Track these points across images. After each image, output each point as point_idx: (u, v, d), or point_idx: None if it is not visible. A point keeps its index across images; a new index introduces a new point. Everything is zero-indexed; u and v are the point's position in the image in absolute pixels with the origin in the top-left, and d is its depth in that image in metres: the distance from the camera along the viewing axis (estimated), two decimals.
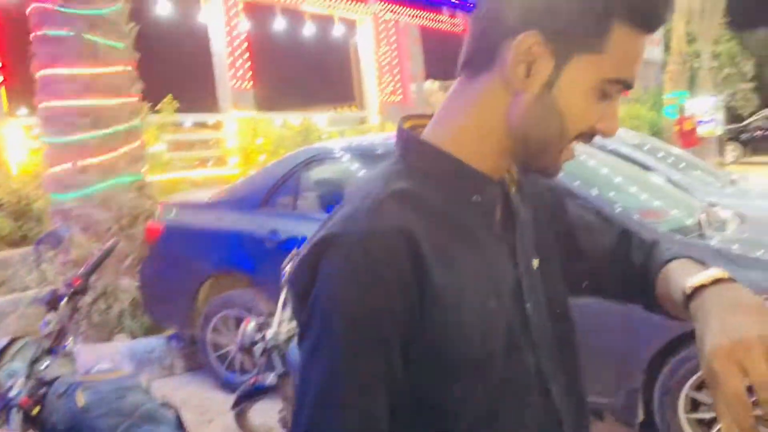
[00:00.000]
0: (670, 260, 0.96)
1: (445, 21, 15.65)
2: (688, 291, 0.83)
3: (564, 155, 0.84)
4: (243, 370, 4.29)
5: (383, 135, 9.47)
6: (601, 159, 4.27)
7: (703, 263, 0.92)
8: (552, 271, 0.95)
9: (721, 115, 15.50)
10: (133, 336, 4.90)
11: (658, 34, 28.33)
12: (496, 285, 0.84)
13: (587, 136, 0.83)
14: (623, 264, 1.02)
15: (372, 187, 0.82)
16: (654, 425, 3.11)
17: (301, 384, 0.79)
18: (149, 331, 4.98)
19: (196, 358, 4.81)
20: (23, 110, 8.32)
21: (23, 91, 7.27)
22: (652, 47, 27.79)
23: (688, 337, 2.93)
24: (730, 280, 0.81)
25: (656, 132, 14.68)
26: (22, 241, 6.09)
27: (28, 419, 1.93)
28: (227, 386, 4.27)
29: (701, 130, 14.83)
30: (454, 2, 16.19)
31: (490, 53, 0.81)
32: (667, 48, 24.96)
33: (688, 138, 13.62)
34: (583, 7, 0.77)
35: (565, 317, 0.96)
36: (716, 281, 0.81)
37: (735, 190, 5.33)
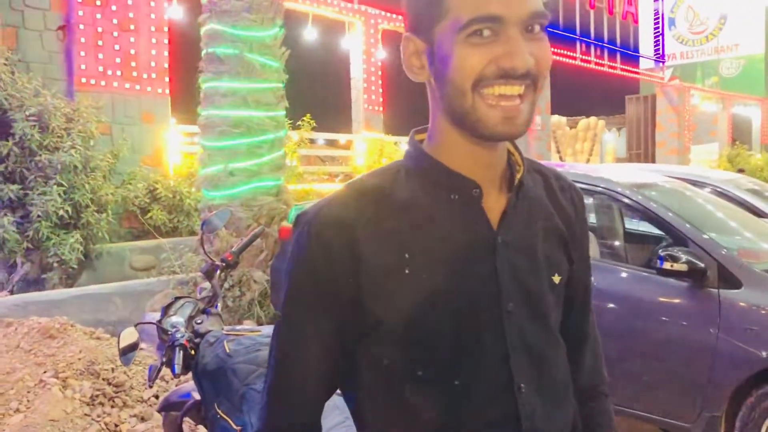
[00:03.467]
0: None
1: (576, 57, 15.67)
2: None
3: (485, 105, 0.89)
4: None
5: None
6: (715, 201, 4.35)
7: None
8: (538, 272, 1.01)
9: None
10: (259, 322, 5.47)
11: None
12: (459, 270, 0.94)
13: (493, 77, 0.88)
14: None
15: (356, 179, 1.01)
16: None
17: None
18: (273, 320, 5.55)
19: None
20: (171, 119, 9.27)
21: (179, 101, 8.26)
22: None
23: None
24: None
25: None
26: (173, 231, 6.92)
27: (187, 357, 2.43)
28: None
29: None
30: (588, 40, 16.17)
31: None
32: None
33: None
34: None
35: (545, 319, 1.01)
36: None
37: None
